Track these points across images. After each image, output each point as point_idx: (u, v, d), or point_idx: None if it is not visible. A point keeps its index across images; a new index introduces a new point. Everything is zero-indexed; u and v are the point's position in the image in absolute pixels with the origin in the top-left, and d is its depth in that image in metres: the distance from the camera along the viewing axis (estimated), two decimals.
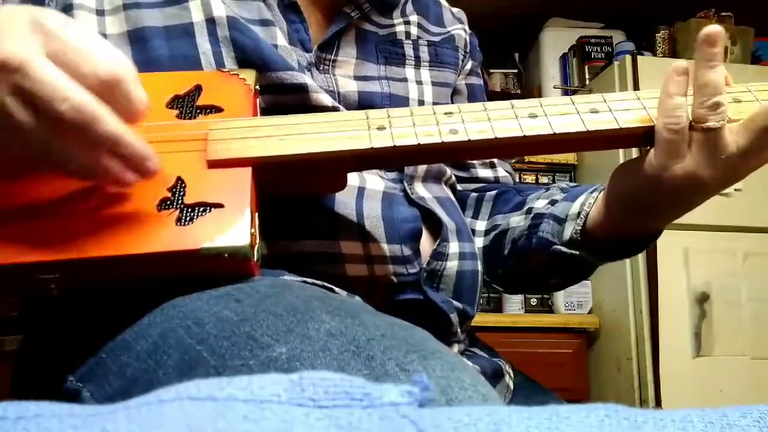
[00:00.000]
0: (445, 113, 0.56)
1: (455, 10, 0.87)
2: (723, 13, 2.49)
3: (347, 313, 0.44)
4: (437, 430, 0.26)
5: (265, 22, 0.66)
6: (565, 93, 2.66)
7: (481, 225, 0.81)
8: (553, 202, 0.72)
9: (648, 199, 0.60)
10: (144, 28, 0.63)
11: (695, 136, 0.54)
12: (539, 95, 2.75)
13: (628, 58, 2.21)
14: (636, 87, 2.16)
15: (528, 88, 2.87)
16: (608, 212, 0.64)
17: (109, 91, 0.44)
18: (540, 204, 0.74)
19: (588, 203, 0.66)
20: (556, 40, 2.71)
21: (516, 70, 2.91)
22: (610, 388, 2.16)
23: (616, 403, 0.30)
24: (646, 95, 0.58)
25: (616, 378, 2.14)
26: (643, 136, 0.57)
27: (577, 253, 0.66)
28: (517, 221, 0.75)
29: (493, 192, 0.83)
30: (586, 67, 2.57)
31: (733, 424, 0.30)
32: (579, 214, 0.66)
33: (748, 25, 2.48)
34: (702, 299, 2.05)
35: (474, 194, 0.84)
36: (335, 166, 0.57)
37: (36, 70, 0.42)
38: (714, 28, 0.54)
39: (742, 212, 2.08)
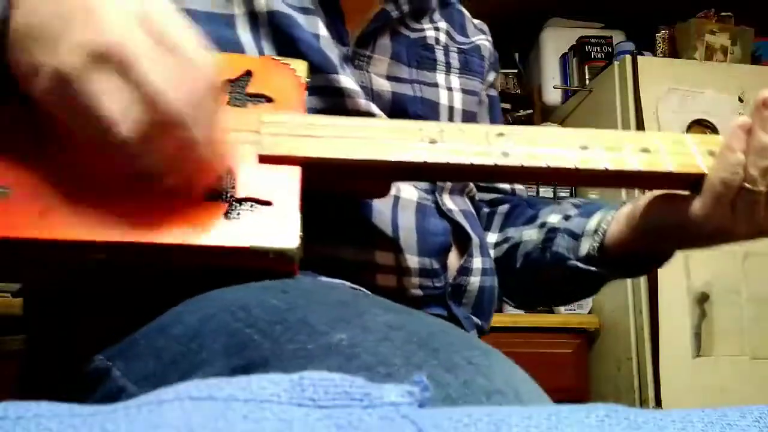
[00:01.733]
0: (498, 134, 0.55)
1: (476, 21, 0.88)
2: (723, 13, 2.49)
3: (400, 310, 0.44)
4: (437, 430, 0.26)
5: (306, 11, 0.65)
6: (565, 93, 2.66)
7: (492, 237, 0.81)
8: (567, 218, 0.73)
9: (680, 235, 0.61)
10: (188, 10, 0.61)
11: (741, 194, 0.55)
12: (539, 95, 2.75)
13: (628, 58, 2.21)
14: (636, 87, 2.16)
15: (528, 88, 2.87)
16: (631, 231, 0.65)
17: (203, 97, 0.43)
18: (554, 219, 0.74)
19: (606, 221, 0.67)
20: (556, 40, 2.71)
21: (516, 70, 2.90)
22: (610, 388, 2.16)
23: (616, 403, 0.30)
24: (696, 140, 0.58)
25: (616, 378, 2.14)
26: (691, 182, 0.57)
27: (594, 269, 0.67)
28: (530, 235, 0.76)
29: (506, 206, 0.83)
30: (586, 67, 2.56)
31: (733, 424, 0.30)
32: (596, 230, 0.67)
33: (748, 25, 2.48)
34: (702, 299, 2.05)
35: (486, 208, 0.84)
36: (384, 175, 0.57)
37: (140, 62, 0.40)
38: None
39: None
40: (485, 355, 0.40)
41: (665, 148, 0.57)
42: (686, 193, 0.59)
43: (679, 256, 2.20)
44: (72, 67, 0.40)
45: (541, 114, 2.76)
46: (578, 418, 0.28)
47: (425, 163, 0.53)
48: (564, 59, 2.69)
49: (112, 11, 0.41)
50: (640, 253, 0.66)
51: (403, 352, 0.38)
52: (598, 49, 2.59)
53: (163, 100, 0.41)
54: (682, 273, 2.06)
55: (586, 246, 0.67)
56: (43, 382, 0.58)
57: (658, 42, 2.51)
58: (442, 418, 0.27)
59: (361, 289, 0.56)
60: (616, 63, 2.29)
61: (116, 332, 0.49)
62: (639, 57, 2.23)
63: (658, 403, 1.95)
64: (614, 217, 0.67)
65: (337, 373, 0.29)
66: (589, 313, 2.30)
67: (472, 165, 0.54)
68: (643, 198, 0.64)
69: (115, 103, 0.40)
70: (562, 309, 2.29)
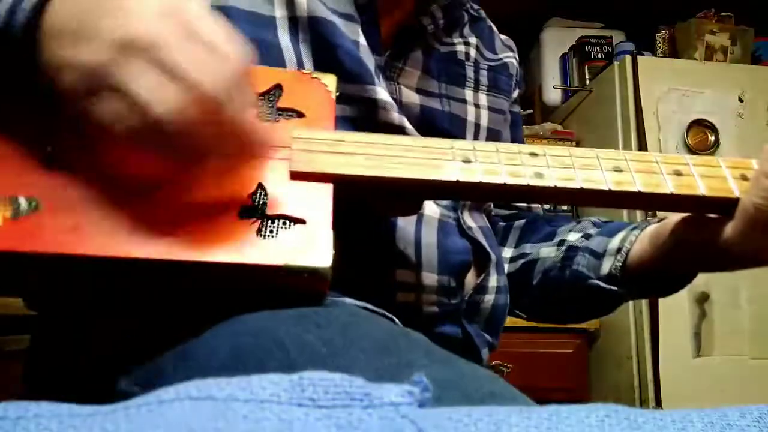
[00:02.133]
0: (530, 153, 0.55)
1: (503, 37, 0.88)
2: (723, 13, 2.49)
3: (441, 359, 0.42)
4: (437, 430, 0.26)
5: (348, 17, 0.65)
6: (565, 93, 2.66)
7: (507, 252, 0.81)
8: (587, 236, 0.72)
9: (708, 258, 0.60)
10: (229, 7, 0.61)
11: None
12: (539, 95, 2.75)
13: (628, 58, 2.21)
14: (636, 87, 2.16)
15: (528, 88, 2.87)
16: (657, 254, 0.64)
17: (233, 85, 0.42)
18: (573, 237, 0.74)
19: (630, 240, 0.66)
20: (556, 40, 2.71)
21: None
22: (610, 388, 2.16)
23: (616, 403, 0.30)
24: (728, 163, 0.57)
25: (616, 378, 2.14)
26: (723, 206, 0.56)
27: (616, 288, 0.66)
28: (548, 252, 0.75)
29: (522, 221, 0.83)
30: (586, 67, 2.56)
31: (733, 424, 0.30)
32: (620, 249, 0.66)
33: (748, 25, 2.48)
34: (702, 299, 2.05)
35: (502, 222, 0.84)
36: (415, 193, 0.56)
37: (169, 49, 0.40)
38: None
39: None
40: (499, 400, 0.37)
41: (698, 171, 0.56)
42: (716, 216, 0.58)
43: None
44: (104, 58, 0.40)
45: (541, 114, 2.76)
46: (578, 418, 0.28)
47: (458, 182, 0.52)
48: (564, 59, 2.69)
49: (143, 5, 0.42)
50: (663, 274, 0.65)
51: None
52: (598, 49, 2.59)
53: (194, 80, 0.40)
54: None
55: (607, 265, 0.67)
56: (53, 383, 0.58)
57: (658, 42, 2.51)
58: (442, 418, 0.27)
59: (385, 313, 0.55)
60: (616, 63, 2.29)
61: (131, 335, 0.49)
62: (639, 57, 2.22)
63: (658, 403, 1.95)
64: (638, 237, 0.66)
65: (337, 373, 0.29)
66: None
67: (505, 185, 0.53)
68: (672, 218, 0.63)
69: (146, 85, 0.40)
70: None
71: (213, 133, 0.42)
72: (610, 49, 2.57)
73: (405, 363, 0.40)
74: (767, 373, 2.02)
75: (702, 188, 0.55)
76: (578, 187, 0.53)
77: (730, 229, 0.56)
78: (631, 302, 2.08)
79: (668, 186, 0.55)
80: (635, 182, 0.54)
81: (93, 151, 0.46)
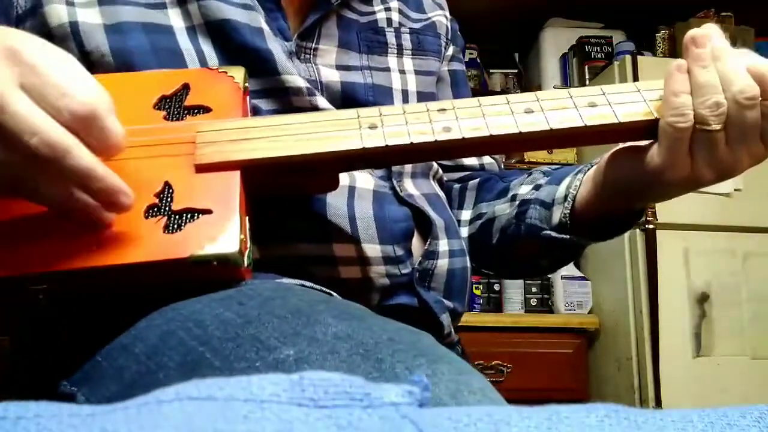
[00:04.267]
0: (438, 110, 0.55)
1: None
2: (723, 13, 2.49)
3: (353, 317, 0.44)
4: (437, 430, 0.26)
5: (246, 6, 0.64)
6: None
7: (465, 215, 0.80)
8: (537, 187, 0.71)
9: (644, 188, 0.60)
10: (122, 22, 0.61)
11: (696, 136, 0.54)
12: None
13: (628, 58, 2.21)
14: None
15: (528, 88, 2.87)
16: (598, 192, 0.64)
17: (83, 125, 0.43)
18: (524, 190, 0.73)
19: (574, 185, 0.66)
20: (556, 40, 2.71)
21: (516, 70, 2.90)
22: (610, 388, 2.16)
23: (616, 403, 0.30)
24: (646, 87, 0.57)
25: (616, 378, 2.14)
26: (644, 131, 0.56)
27: (567, 236, 0.66)
28: (502, 209, 0.75)
29: (476, 180, 0.82)
30: (586, 67, 2.56)
31: (733, 424, 0.30)
32: (566, 197, 0.66)
33: (748, 25, 2.48)
34: (702, 299, 2.05)
35: (457, 185, 0.83)
36: (326, 167, 0.56)
37: (7, 102, 0.41)
38: (697, 31, 0.54)
39: (742, 212, 2.08)
40: (431, 363, 0.39)
41: (613, 100, 0.56)
42: (645, 143, 0.57)
43: (679, 256, 2.19)
44: None
45: None
46: (578, 418, 0.28)
47: (364, 149, 0.53)
48: (564, 59, 2.69)
49: None
50: (611, 211, 0.65)
51: (347, 365, 0.38)
52: (598, 49, 2.59)
53: (29, 131, 0.41)
54: (682, 273, 2.06)
55: (557, 214, 0.66)
56: (26, 386, 0.58)
57: (658, 42, 2.51)
58: (442, 418, 0.27)
59: (323, 289, 0.56)
60: (616, 63, 2.29)
61: (99, 334, 0.50)
62: (639, 57, 2.22)
63: (658, 403, 1.95)
64: (582, 180, 0.66)
65: (337, 373, 0.29)
66: (589, 313, 2.30)
67: (412, 144, 0.53)
68: (606, 155, 0.63)
69: None
70: (562, 309, 2.30)
71: (57, 187, 0.44)
72: (610, 49, 2.57)
73: (309, 323, 0.42)
74: (767, 373, 2.02)
75: (618, 116, 0.55)
76: (487, 134, 0.53)
77: (655, 153, 0.56)
78: (631, 302, 2.08)
79: (581, 119, 0.54)
80: (547, 120, 0.54)
81: None
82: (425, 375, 0.37)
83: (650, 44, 2.52)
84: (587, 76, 2.54)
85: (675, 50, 2.47)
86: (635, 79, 2.17)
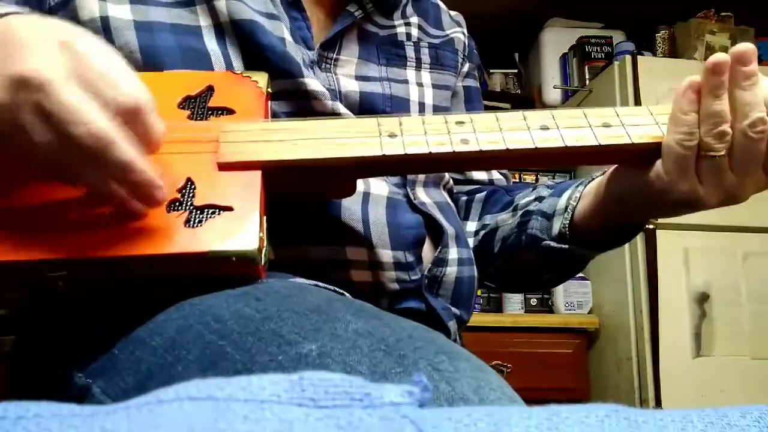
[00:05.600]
0: (457, 122, 0.56)
1: (453, 13, 0.88)
2: (723, 13, 2.49)
3: (370, 315, 0.44)
4: (437, 430, 0.26)
5: (271, 16, 0.66)
6: (565, 93, 2.66)
7: (471, 226, 0.81)
8: (540, 199, 0.72)
9: (647, 206, 0.60)
10: (152, 21, 0.63)
11: (702, 161, 0.54)
12: (539, 95, 2.75)
13: (628, 58, 2.21)
14: (636, 87, 2.16)
15: (528, 88, 2.87)
16: (599, 204, 0.64)
17: (129, 118, 0.44)
18: (527, 201, 0.74)
19: (574, 197, 0.67)
20: (556, 40, 2.71)
21: (516, 70, 2.90)
22: (610, 388, 2.16)
23: (616, 403, 0.30)
24: (659, 111, 0.58)
25: (616, 378, 2.14)
26: (656, 153, 0.57)
27: (566, 246, 0.66)
28: (504, 219, 0.76)
29: (483, 193, 0.83)
30: (586, 67, 2.57)
31: (733, 424, 0.30)
32: (566, 208, 0.67)
33: (748, 25, 2.48)
34: (702, 299, 2.05)
35: (465, 197, 0.84)
36: (345, 172, 0.57)
37: (59, 91, 0.42)
38: (720, 57, 0.54)
39: (742, 212, 2.07)
40: (452, 360, 0.40)
41: (627, 121, 0.57)
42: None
43: (679, 256, 2.19)
44: (1, 97, 0.42)
45: None
46: (578, 418, 0.28)
47: (383, 156, 0.54)
48: (564, 59, 2.70)
49: (35, 42, 0.44)
50: (613, 224, 0.65)
51: (369, 360, 0.39)
52: (598, 49, 2.59)
53: (77, 121, 0.42)
54: (682, 273, 2.06)
55: (557, 225, 0.67)
56: (30, 386, 0.58)
57: (658, 42, 2.51)
58: (442, 418, 0.27)
59: (336, 289, 0.56)
60: (616, 63, 2.29)
61: (111, 328, 0.50)
62: (639, 57, 2.23)
63: (658, 403, 1.95)
64: (582, 193, 0.67)
65: (337, 373, 0.29)
66: (589, 313, 2.30)
67: (430, 154, 0.54)
68: (610, 169, 0.63)
69: (34, 128, 0.43)
70: (562, 309, 2.30)
71: (97, 175, 0.45)
72: (610, 49, 2.57)
73: (329, 320, 0.42)
74: (767, 373, 2.02)
75: (631, 137, 0.56)
76: (503, 148, 0.55)
77: (663, 174, 0.56)
78: (631, 302, 2.08)
79: (595, 138, 0.56)
80: (562, 138, 0.55)
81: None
82: (447, 371, 0.38)
83: (650, 44, 2.52)
84: (587, 76, 2.54)
85: (675, 50, 2.47)
86: (635, 79, 2.17)
